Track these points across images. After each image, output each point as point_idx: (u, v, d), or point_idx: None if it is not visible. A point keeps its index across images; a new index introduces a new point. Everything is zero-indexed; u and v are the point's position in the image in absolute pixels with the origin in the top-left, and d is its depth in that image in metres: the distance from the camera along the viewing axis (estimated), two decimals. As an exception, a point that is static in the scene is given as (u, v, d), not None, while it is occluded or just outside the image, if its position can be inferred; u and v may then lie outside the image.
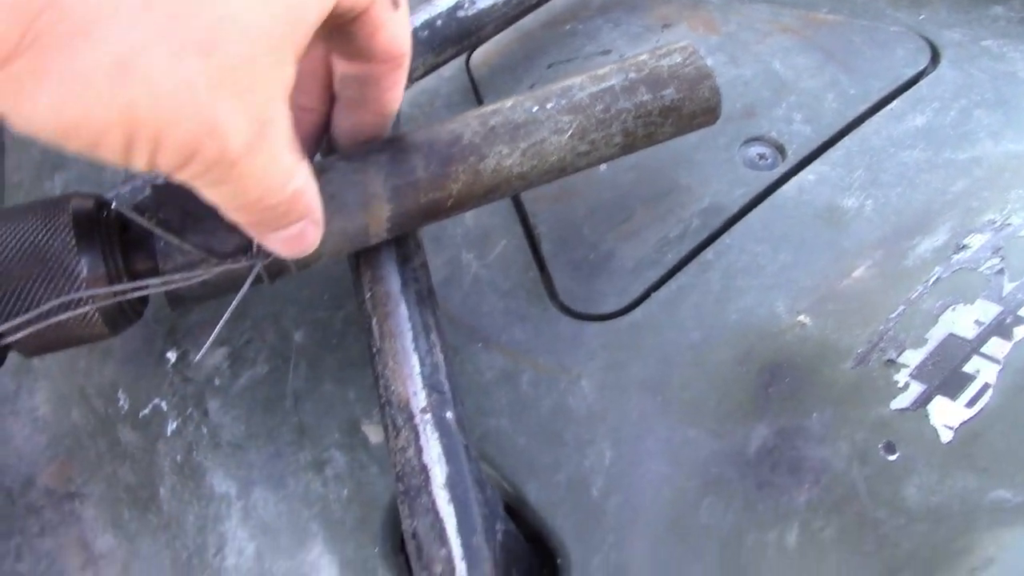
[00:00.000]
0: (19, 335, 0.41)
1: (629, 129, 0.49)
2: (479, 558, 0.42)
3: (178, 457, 0.53)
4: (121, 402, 0.56)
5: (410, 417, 0.45)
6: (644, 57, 0.50)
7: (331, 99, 0.45)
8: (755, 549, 0.44)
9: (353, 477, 0.50)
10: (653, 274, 0.53)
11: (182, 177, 0.32)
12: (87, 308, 0.43)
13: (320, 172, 0.43)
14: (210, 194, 0.34)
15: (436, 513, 0.42)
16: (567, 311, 0.52)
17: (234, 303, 0.43)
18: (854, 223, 0.52)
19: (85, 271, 0.42)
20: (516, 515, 0.47)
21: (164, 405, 0.55)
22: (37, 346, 0.44)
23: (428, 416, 0.44)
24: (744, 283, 0.51)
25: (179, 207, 0.42)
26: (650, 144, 0.50)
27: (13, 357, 0.47)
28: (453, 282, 0.54)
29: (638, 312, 0.52)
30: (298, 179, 0.36)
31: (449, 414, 0.45)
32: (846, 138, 0.56)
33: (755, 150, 0.56)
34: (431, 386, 0.45)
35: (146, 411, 0.55)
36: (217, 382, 0.54)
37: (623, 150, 0.50)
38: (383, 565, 0.48)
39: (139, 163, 0.30)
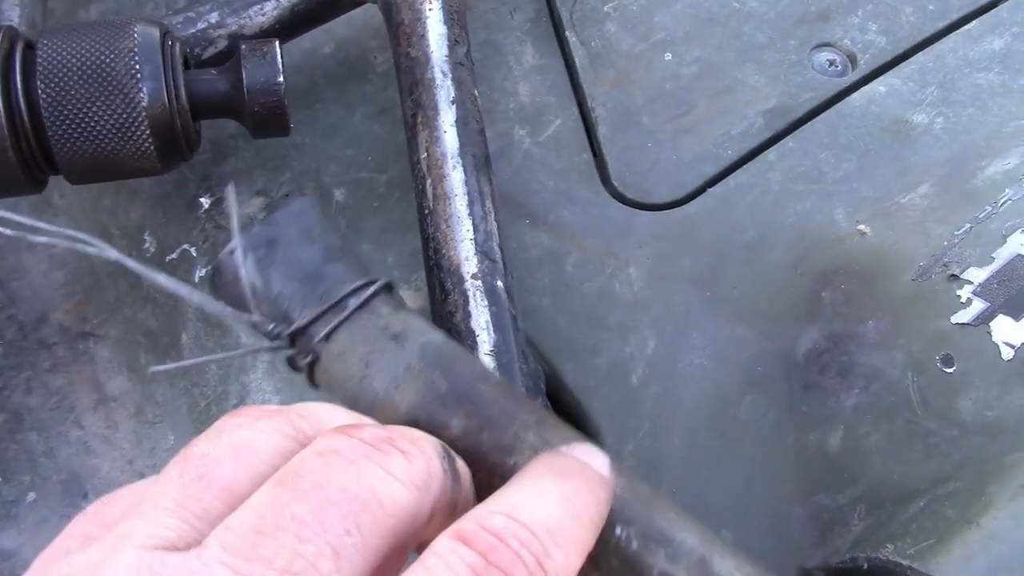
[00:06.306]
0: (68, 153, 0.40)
1: None
2: (521, 428, 0.41)
3: (205, 305, 0.52)
4: (147, 244, 0.55)
5: (460, 282, 0.43)
6: None
7: None
8: (795, 449, 0.43)
9: (387, 340, 0.49)
10: (711, 169, 0.51)
11: None
12: (143, 138, 0.41)
13: None
14: None
15: (481, 379, 0.41)
16: (619, 197, 0.51)
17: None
18: (922, 139, 0.51)
19: (146, 100, 0.40)
20: (551, 395, 0.47)
21: (194, 251, 0.53)
22: (84, 171, 0.42)
23: (479, 283, 0.43)
24: (804, 187, 0.50)
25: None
26: None
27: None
28: (503, 156, 0.53)
29: (693, 205, 0.50)
30: None
31: (500, 283, 0.44)
32: (920, 53, 0.54)
33: (825, 56, 0.54)
34: (483, 253, 0.44)
35: (174, 255, 0.54)
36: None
37: None
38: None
39: None
